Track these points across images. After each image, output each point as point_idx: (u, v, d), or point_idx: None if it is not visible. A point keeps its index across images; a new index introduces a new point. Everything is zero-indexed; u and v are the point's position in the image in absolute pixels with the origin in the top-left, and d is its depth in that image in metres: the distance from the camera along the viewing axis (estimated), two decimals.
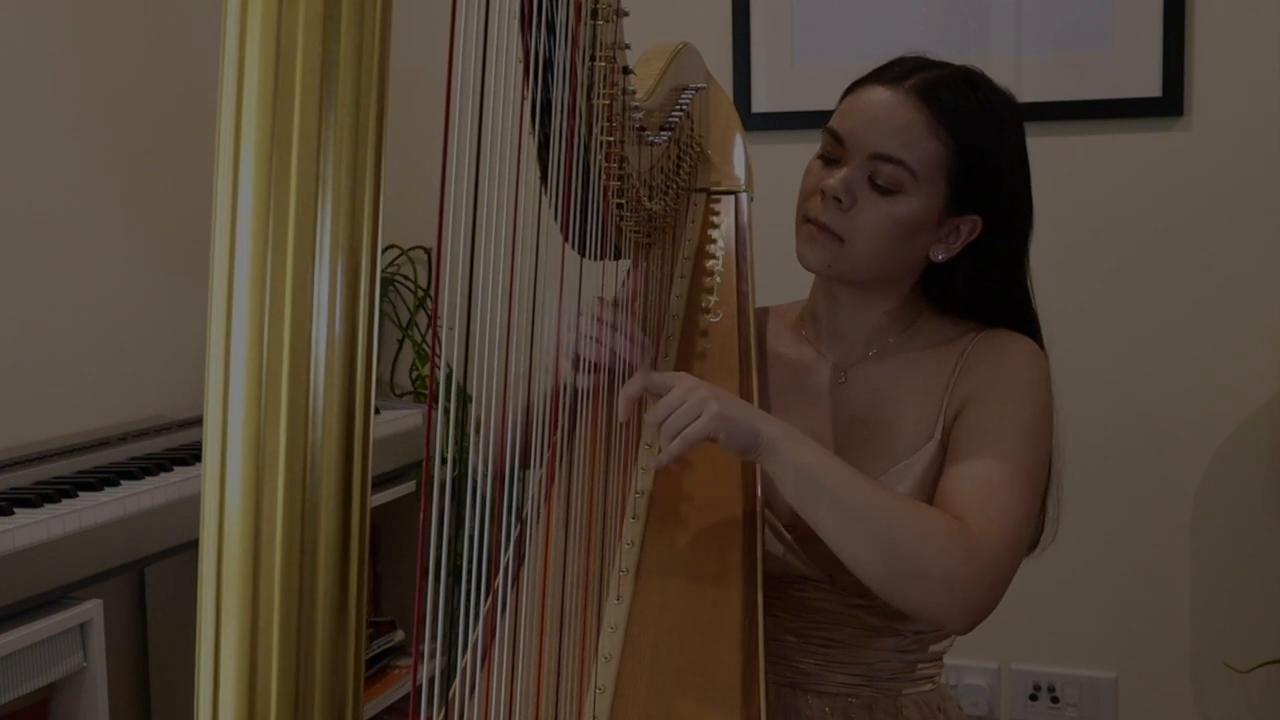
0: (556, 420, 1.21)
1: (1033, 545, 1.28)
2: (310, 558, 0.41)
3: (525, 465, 1.19)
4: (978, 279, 1.27)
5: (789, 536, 1.23)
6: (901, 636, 1.25)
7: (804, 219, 1.24)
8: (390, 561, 2.61)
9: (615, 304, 1.25)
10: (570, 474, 1.15)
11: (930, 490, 1.19)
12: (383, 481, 2.31)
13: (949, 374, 1.24)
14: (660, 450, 1.11)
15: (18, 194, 2.09)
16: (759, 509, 1.18)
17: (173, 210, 2.40)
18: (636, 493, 1.21)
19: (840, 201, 1.19)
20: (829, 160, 1.23)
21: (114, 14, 2.29)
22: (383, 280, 2.76)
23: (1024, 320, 1.28)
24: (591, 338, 1.21)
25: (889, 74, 1.22)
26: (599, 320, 1.21)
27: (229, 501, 0.40)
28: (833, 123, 1.24)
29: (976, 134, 1.20)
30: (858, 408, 1.27)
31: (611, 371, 1.21)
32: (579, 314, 1.21)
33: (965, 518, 1.12)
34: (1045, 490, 1.26)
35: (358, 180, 0.41)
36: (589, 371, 1.21)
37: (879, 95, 1.21)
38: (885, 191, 1.19)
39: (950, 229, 1.23)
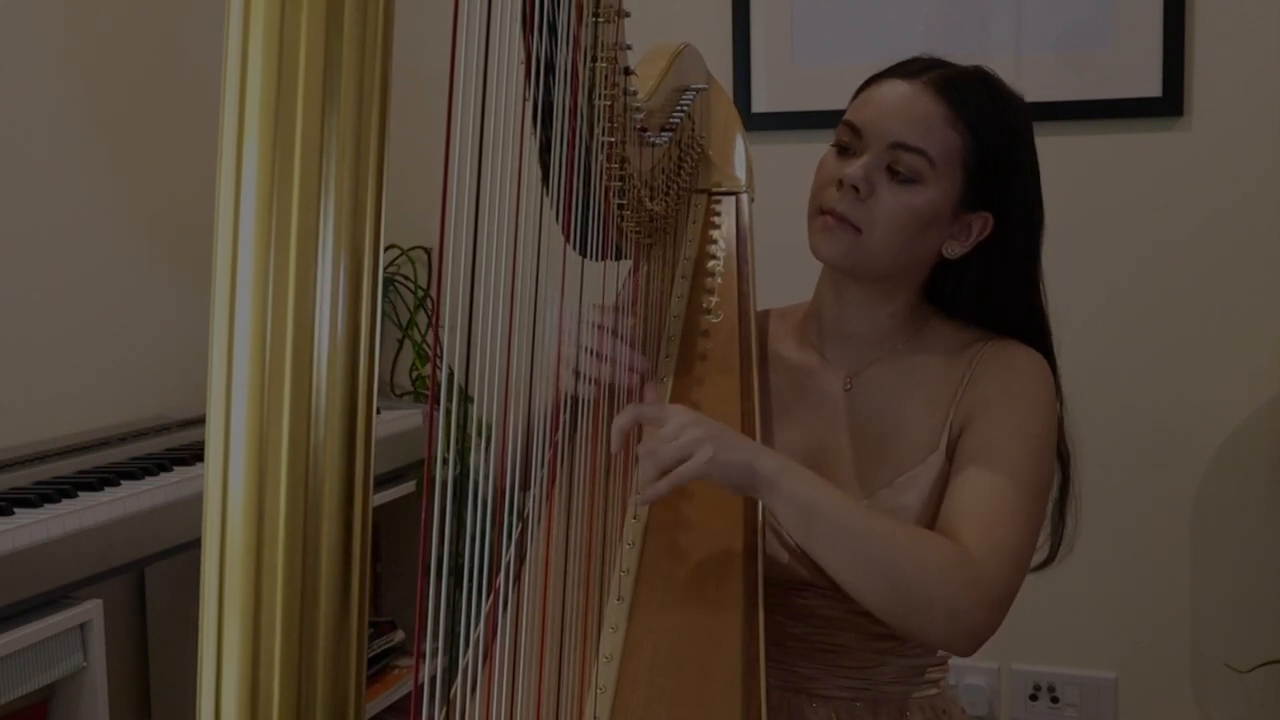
0: (558, 423, 1.21)
1: (1050, 558, 1.28)
2: (313, 558, 0.41)
3: (525, 487, 1.19)
4: (987, 281, 1.26)
5: (793, 543, 1.22)
6: (904, 642, 1.24)
7: (819, 210, 1.23)
8: (390, 561, 2.61)
9: (616, 308, 1.24)
10: (571, 474, 1.15)
11: (937, 501, 1.19)
12: (383, 481, 2.31)
13: (956, 384, 1.23)
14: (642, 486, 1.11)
15: (19, 196, 2.09)
16: (760, 509, 1.18)
17: (174, 211, 2.40)
18: (637, 493, 1.21)
19: (858, 191, 1.19)
20: (844, 151, 1.23)
21: (120, 19, 2.29)
22: (383, 280, 2.75)
23: (1034, 327, 1.28)
24: (591, 351, 1.20)
25: (906, 69, 1.24)
26: (599, 328, 1.20)
27: (231, 502, 0.40)
28: (849, 115, 1.24)
29: (993, 130, 1.21)
30: (864, 415, 1.27)
31: (613, 379, 1.21)
32: (579, 325, 1.19)
33: (968, 541, 1.11)
34: (1064, 504, 1.26)
35: (360, 181, 0.41)
36: (590, 382, 1.21)
37: (898, 88, 1.22)
38: (904, 180, 1.19)
39: (963, 224, 1.23)
